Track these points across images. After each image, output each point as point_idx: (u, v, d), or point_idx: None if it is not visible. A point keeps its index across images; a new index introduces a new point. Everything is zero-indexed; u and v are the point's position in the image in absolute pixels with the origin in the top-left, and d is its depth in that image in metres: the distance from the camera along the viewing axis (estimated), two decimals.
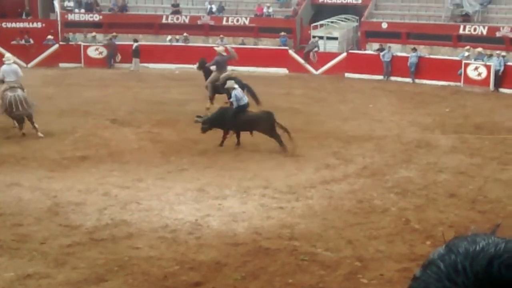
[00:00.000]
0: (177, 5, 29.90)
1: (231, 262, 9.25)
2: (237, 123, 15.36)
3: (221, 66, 19.06)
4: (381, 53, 25.99)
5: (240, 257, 9.42)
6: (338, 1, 30.10)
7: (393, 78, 25.59)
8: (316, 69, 27.03)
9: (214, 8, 29.78)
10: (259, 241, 10.00)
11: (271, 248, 9.73)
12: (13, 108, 15.68)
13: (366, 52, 27.39)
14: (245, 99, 15.81)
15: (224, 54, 19.70)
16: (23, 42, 27.42)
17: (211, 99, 19.09)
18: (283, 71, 27.17)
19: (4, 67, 16.51)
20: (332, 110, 19.86)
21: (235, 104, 15.53)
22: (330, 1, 30.13)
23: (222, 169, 13.75)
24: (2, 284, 8.49)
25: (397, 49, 26.76)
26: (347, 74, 26.25)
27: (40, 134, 15.90)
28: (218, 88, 18.62)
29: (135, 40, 27.29)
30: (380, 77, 25.72)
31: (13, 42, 27.25)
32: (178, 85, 23.64)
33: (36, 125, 15.92)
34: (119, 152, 14.93)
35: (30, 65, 27.00)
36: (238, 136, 15.47)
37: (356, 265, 9.18)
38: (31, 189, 12.20)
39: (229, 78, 18.11)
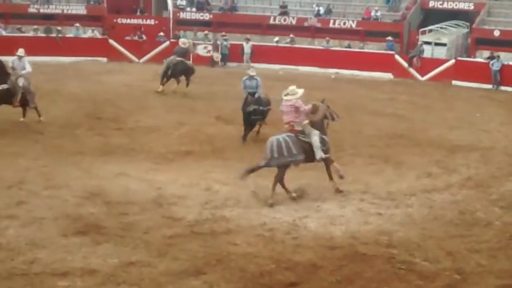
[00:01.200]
0: (285, 6, 30.11)
1: (327, 264, 9.27)
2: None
3: (180, 55, 21.56)
4: (490, 62, 25.17)
5: (336, 260, 9.42)
6: (448, 7, 29.35)
7: (503, 88, 24.73)
8: (422, 75, 26.52)
9: (322, 10, 29.76)
10: (355, 245, 9.96)
11: (367, 253, 9.66)
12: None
13: (476, 59, 26.58)
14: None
15: (184, 46, 22.06)
16: (136, 38, 28.51)
17: (162, 82, 21.35)
18: (388, 76, 26.82)
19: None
20: (437, 118, 19.43)
21: (259, 91, 16.43)
22: (440, 6, 29.43)
23: (322, 171, 13.75)
24: (107, 270, 8.89)
25: (508, 58, 25.80)
26: (454, 82, 25.60)
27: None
28: (166, 72, 21.18)
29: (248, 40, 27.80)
30: (490, 86, 24.93)
31: (127, 38, 28.42)
32: (282, 86, 23.74)
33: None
34: (222, 149, 15.25)
35: (142, 60, 28.07)
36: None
37: (455, 278, 8.97)
38: (138, 179, 12.67)
39: (182, 62, 21.37)
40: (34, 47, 23.94)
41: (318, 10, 29.76)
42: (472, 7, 28.75)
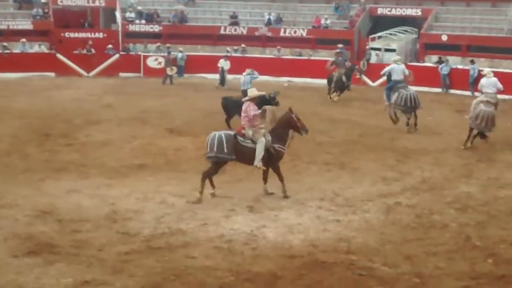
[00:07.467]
0: (236, 16, 30.08)
1: (287, 274, 9.15)
2: None
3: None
4: (439, 66, 25.57)
5: (296, 269, 9.31)
6: (397, 13, 29.77)
7: (452, 91, 25.12)
8: (373, 81, 26.75)
9: (272, 19, 29.82)
10: (315, 254, 9.88)
11: (327, 261, 9.59)
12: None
13: (425, 64, 26.97)
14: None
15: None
16: (84, 51, 28.04)
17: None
18: None
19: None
20: (390, 123, 19.53)
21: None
22: (388, 13, 29.82)
23: (277, 180, 13.66)
24: None
25: (457, 62, 26.27)
26: None
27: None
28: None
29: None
30: (439, 89, 25.30)
31: (75, 52, 27.92)
32: (234, 95, 23.69)
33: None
34: (176, 161, 15.05)
35: (91, 74, 27.61)
36: None
37: (414, 282, 8.96)
38: (90, 196, 12.38)
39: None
40: None
41: (269, 19, 29.81)
42: (419, 13, 29.22)
